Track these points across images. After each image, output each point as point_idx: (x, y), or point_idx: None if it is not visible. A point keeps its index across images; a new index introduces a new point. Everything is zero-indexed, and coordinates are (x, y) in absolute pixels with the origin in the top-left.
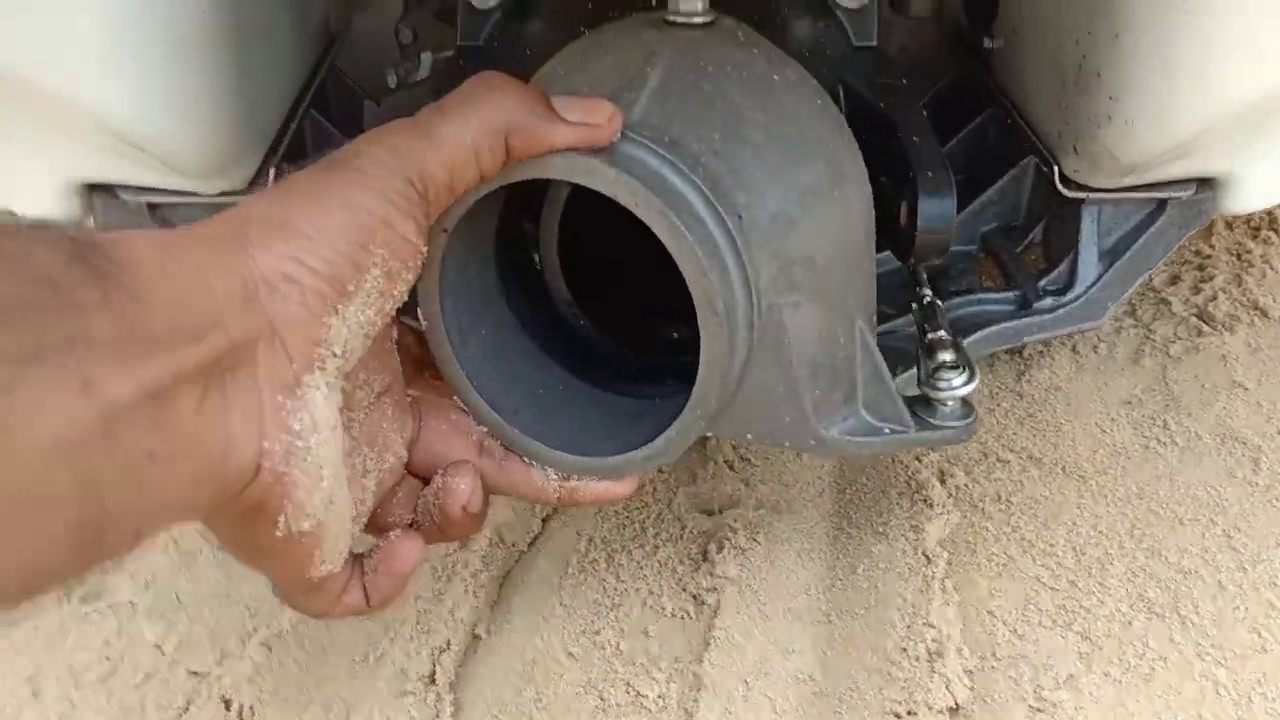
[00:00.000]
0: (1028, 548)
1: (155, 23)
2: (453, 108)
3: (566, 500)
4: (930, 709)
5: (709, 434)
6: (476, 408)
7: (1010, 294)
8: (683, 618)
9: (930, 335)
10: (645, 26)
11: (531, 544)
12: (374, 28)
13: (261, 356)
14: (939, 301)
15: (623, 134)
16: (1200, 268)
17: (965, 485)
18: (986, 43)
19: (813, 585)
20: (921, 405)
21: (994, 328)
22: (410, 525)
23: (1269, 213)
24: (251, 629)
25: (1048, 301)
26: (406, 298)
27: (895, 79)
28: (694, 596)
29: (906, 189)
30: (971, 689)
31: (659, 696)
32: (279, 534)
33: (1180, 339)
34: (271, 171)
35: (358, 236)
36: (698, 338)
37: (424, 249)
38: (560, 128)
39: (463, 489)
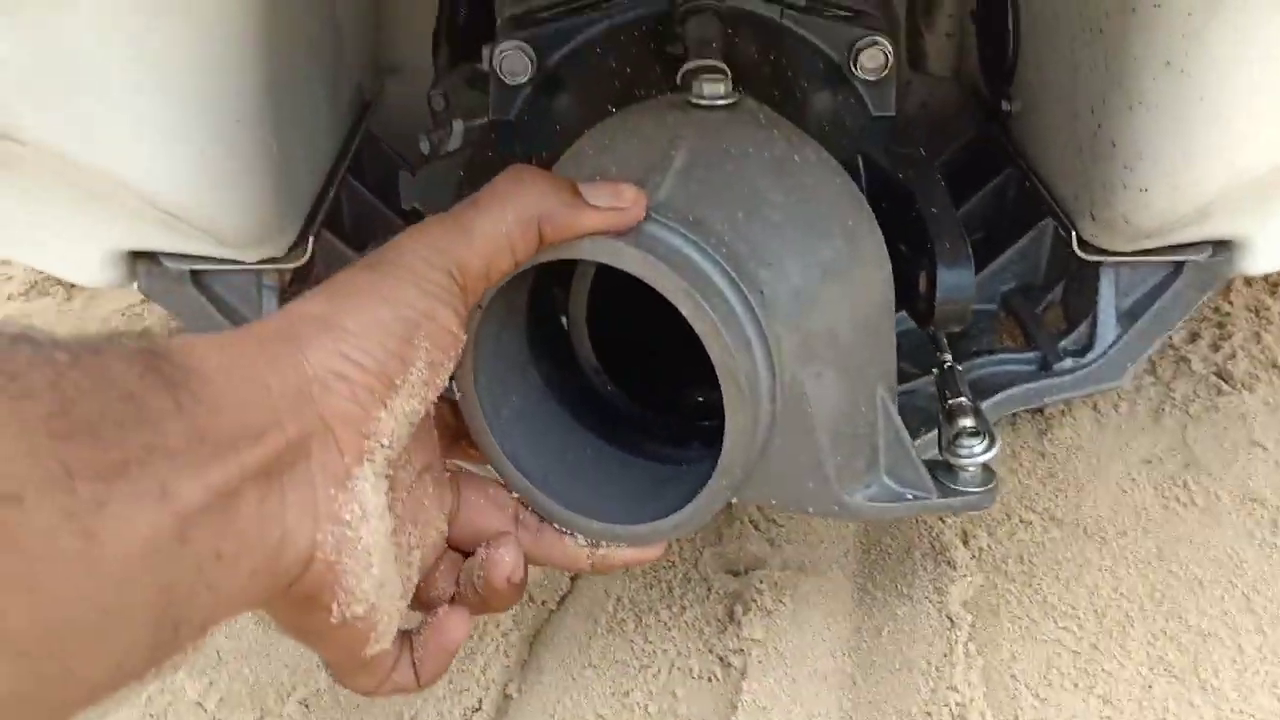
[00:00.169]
0: (1050, 610)
1: (197, 104)
2: (487, 203)
3: (599, 568)
4: None
5: (733, 499)
6: (509, 475)
7: (1031, 354)
8: (710, 680)
9: (951, 401)
10: (669, 109)
11: (561, 603)
12: (407, 91)
13: (315, 452)
14: (959, 366)
15: (649, 215)
16: (1219, 325)
17: (988, 546)
18: (1004, 105)
19: (838, 648)
20: (943, 470)
21: (1015, 389)
22: (453, 599)
23: None
24: (291, 687)
25: (1068, 362)
26: (447, 384)
27: (914, 148)
28: (720, 659)
29: (925, 259)
30: None
31: None
32: (334, 620)
33: (1200, 397)
34: (310, 240)
35: (403, 331)
36: (722, 402)
37: (463, 337)
38: (589, 213)
39: (507, 561)
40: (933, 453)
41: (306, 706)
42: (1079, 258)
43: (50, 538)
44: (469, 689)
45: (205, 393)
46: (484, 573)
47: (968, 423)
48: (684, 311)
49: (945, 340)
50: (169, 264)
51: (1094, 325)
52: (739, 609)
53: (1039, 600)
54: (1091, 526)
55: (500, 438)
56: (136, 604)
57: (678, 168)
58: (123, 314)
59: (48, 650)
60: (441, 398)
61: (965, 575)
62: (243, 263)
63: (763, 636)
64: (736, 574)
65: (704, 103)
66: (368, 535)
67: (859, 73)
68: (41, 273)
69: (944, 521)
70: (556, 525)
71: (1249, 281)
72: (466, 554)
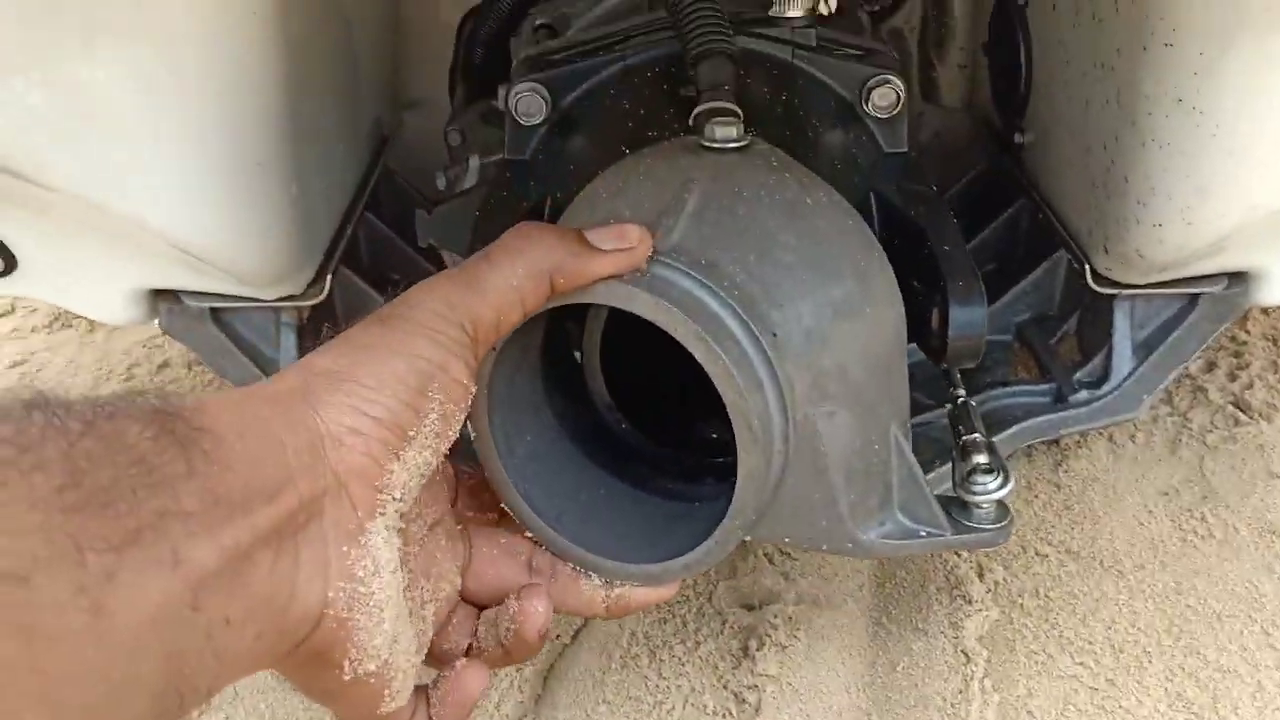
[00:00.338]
0: (1066, 645)
1: (220, 150)
2: (498, 259)
3: (614, 611)
4: None
5: (747, 537)
6: (523, 515)
7: (1046, 387)
8: (724, 716)
9: (965, 437)
10: (681, 152)
11: (575, 637)
12: (424, 125)
13: (328, 508)
14: (973, 401)
15: (662, 259)
16: (1236, 354)
17: (1004, 580)
18: (1017, 138)
19: (853, 684)
20: (957, 507)
21: (1030, 421)
22: (468, 651)
23: None
24: None
25: (1083, 395)
26: (457, 435)
27: (925, 185)
28: (735, 694)
29: (938, 295)
30: None
31: None
32: (346, 678)
33: (1217, 428)
34: (328, 278)
35: (417, 383)
36: (734, 437)
37: (473, 389)
38: (598, 259)
39: (540, 612)
40: (946, 486)
41: None
42: (1093, 290)
43: (59, 615)
44: None
45: (218, 452)
46: (516, 625)
47: (982, 459)
48: (696, 354)
49: (959, 375)
50: (190, 302)
51: (1109, 357)
52: (753, 644)
53: (1055, 635)
54: (1108, 560)
55: (515, 478)
56: (144, 674)
57: (690, 211)
58: (144, 345)
59: None
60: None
61: (981, 610)
62: (262, 300)
63: (777, 672)
64: (751, 608)
65: (716, 145)
66: (380, 590)
67: (871, 111)
68: None
69: (959, 555)
70: (571, 565)
71: (1266, 310)
72: (480, 606)
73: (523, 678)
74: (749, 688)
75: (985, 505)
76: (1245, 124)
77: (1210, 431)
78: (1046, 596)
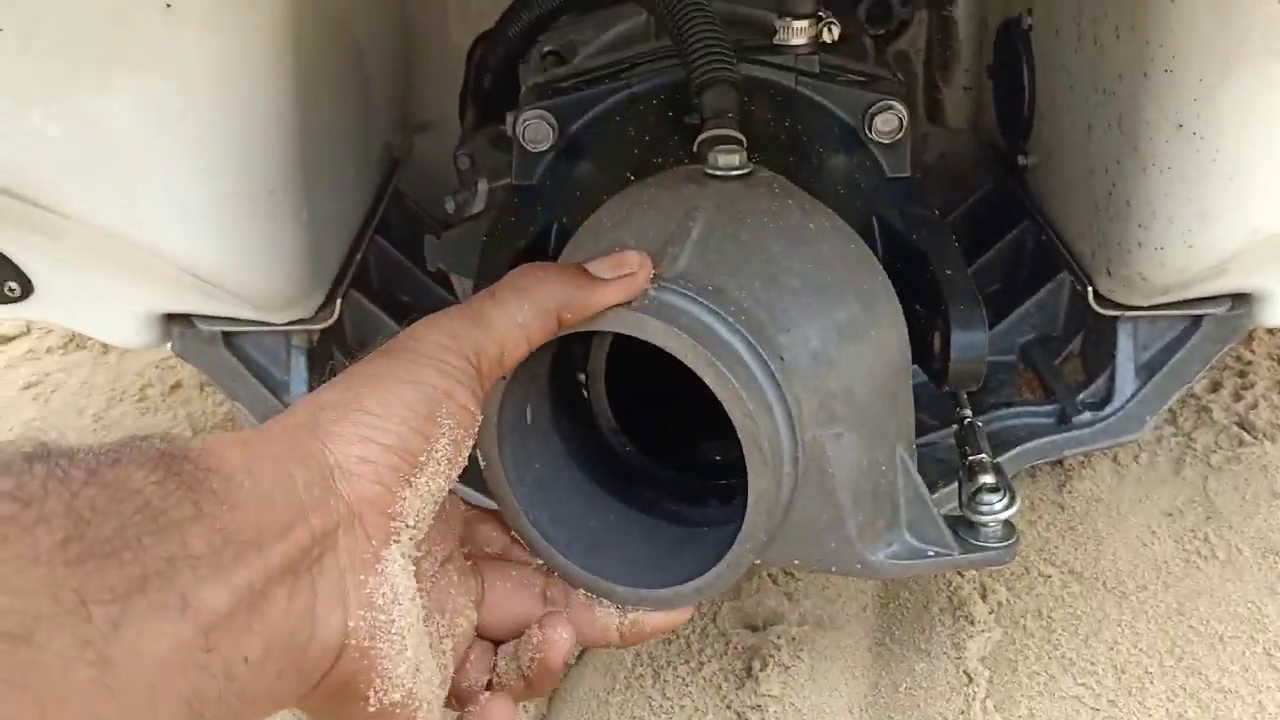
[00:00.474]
0: (1068, 666)
1: (232, 179)
2: (503, 297)
3: (628, 638)
4: None
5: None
6: (534, 543)
7: (1049, 408)
8: None
9: (971, 457)
10: (685, 181)
11: (580, 658)
12: (435, 148)
13: (342, 540)
14: (979, 422)
15: (669, 285)
16: (1241, 374)
17: (1007, 601)
18: (1021, 160)
19: (855, 704)
20: (964, 526)
21: (1034, 442)
22: (488, 687)
23: None
24: None
25: (1086, 416)
26: (466, 463)
27: (928, 209)
28: (738, 715)
29: (940, 319)
30: None
31: None
32: (371, 709)
33: (1221, 448)
34: (338, 301)
35: (425, 409)
36: (739, 459)
37: (480, 417)
38: (602, 290)
39: (565, 639)
40: (952, 506)
41: None
42: (1096, 311)
43: (65, 671)
44: None
45: (226, 492)
46: (540, 653)
47: (988, 479)
48: (706, 379)
49: (964, 395)
50: (202, 326)
51: (1112, 378)
52: (757, 664)
53: (1057, 656)
54: (1111, 580)
55: (525, 506)
56: None
57: (695, 238)
58: (156, 367)
59: None
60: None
61: (983, 630)
62: (272, 324)
63: (780, 692)
64: (755, 629)
65: (719, 173)
66: (400, 618)
67: (873, 136)
68: None
69: (962, 576)
70: (584, 593)
71: (1272, 331)
72: (495, 641)
73: None
74: (752, 708)
75: (992, 524)
76: (1245, 149)
77: (1214, 452)
78: (1049, 617)
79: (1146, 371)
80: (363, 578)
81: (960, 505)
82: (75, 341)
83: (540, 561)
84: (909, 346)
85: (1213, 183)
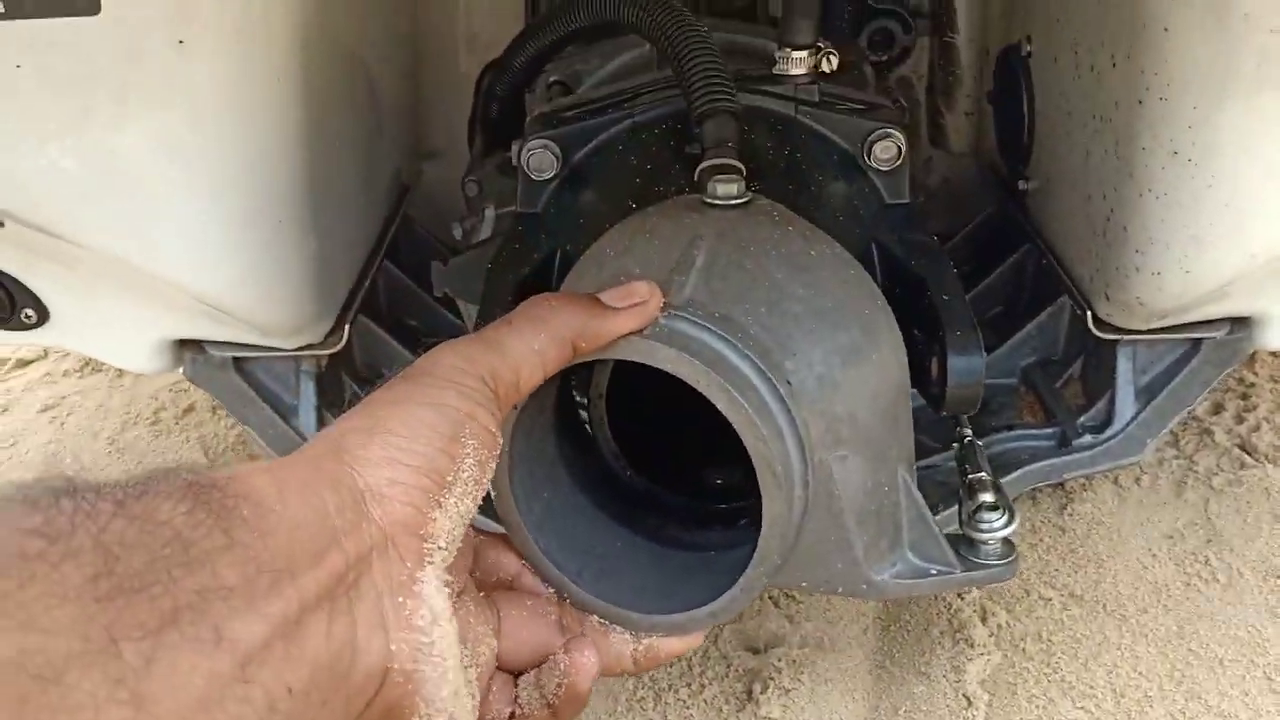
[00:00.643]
0: (1068, 689)
1: (243, 210)
2: (519, 325)
3: (642, 665)
4: None
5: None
6: (546, 572)
7: (1050, 430)
8: None
9: (971, 476)
10: (685, 210)
11: None
12: (444, 175)
13: (376, 564)
14: (979, 441)
15: (679, 314)
16: (1244, 396)
17: (1006, 624)
18: (1021, 185)
19: None
20: (964, 545)
21: (1034, 465)
22: (510, 718)
23: None
24: None
25: (1086, 439)
26: (489, 485)
27: (926, 235)
28: None
29: (937, 344)
30: None
31: None
32: None
33: (1223, 471)
34: (346, 327)
35: (450, 430)
36: (741, 483)
37: (500, 440)
38: (615, 318)
39: (592, 663)
40: (952, 527)
41: None
42: (1096, 335)
43: (96, 712)
44: None
45: (257, 519)
46: (567, 680)
47: (988, 497)
48: (718, 405)
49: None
50: (213, 352)
51: (1112, 402)
52: (757, 687)
53: (1056, 679)
54: (1111, 603)
55: (535, 534)
56: None
57: (700, 266)
58: (170, 390)
59: None
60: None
61: (983, 653)
62: (282, 350)
63: (780, 715)
64: (756, 651)
65: (718, 202)
66: (440, 639)
67: (872, 163)
68: None
69: (962, 599)
70: (597, 620)
71: (1276, 353)
72: (514, 672)
73: None
74: None
75: (992, 542)
76: (1240, 175)
77: (1216, 474)
78: (1049, 640)
79: (1146, 394)
80: (401, 600)
81: (960, 524)
82: (91, 365)
83: (553, 590)
84: (908, 368)
85: (1208, 209)
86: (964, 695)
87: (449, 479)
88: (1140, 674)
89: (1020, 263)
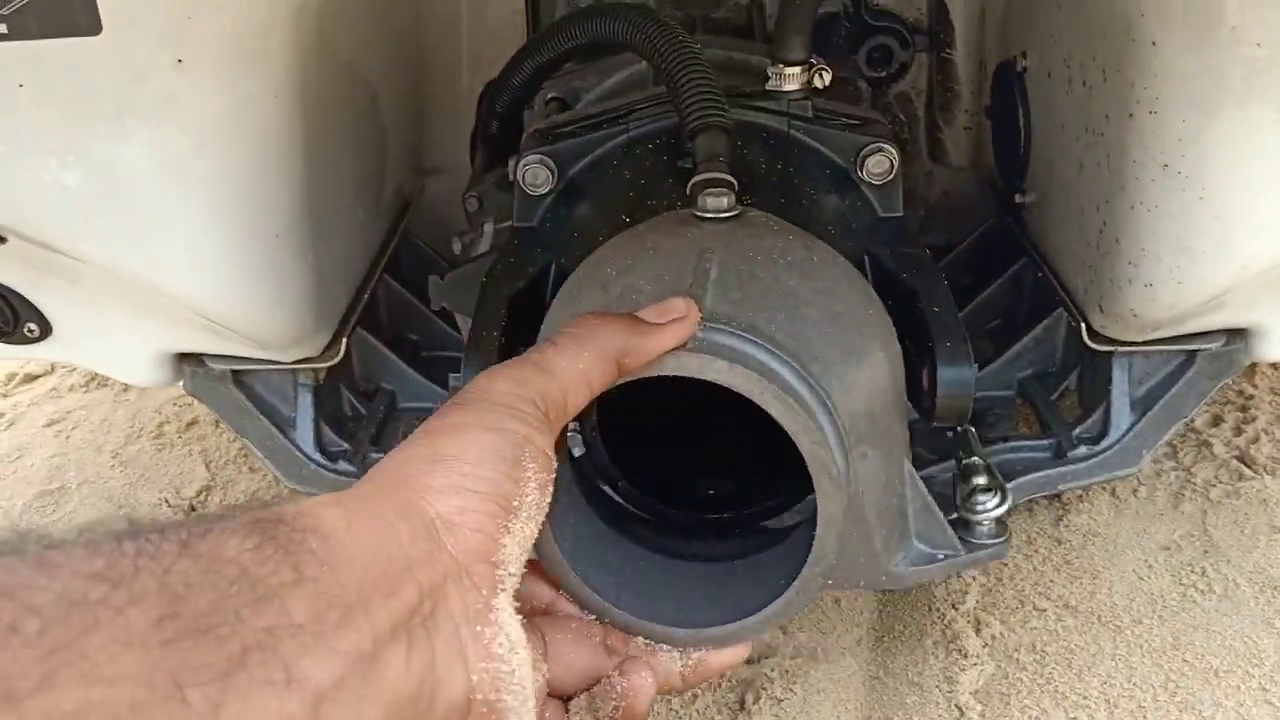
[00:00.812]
0: (1060, 700)
1: (238, 223)
2: (564, 345)
3: (692, 680)
4: None
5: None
6: (584, 597)
7: (1045, 442)
8: None
9: (965, 460)
10: (679, 224)
11: None
12: (447, 191)
13: (451, 593)
14: (973, 429)
15: (713, 326)
16: (1243, 408)
17: (1000, 634)
18: (1018, 198)
19: None
20: (960, 527)
21: (1030, 476)
22: None
23: None
24: None
25: (1082, 450)
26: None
27: (918, 248)
28: None
29: (928, 356)
30: None
31: None
32: None
33: (1221, 482)
34: (344, 341)
35: (512, 454)
36: (733, 494)
37: (556, 463)
38: (659, 334)
39: (650, 683)
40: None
41: None
42: (1091, 347)
43: None
44: None
45: (326, 551)
46: (625, 702)
47: (981, 480)
48: (772, 412)
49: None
50: (212, 365)
51: (1108, 413)
52: (750, 697)
53: (1050, 689)
54: (1106, 614)
55: (571, 561)
56: None
57: (715, 279)
58: (174, 404)
59: None
60: None
61: (976, 664)
62: (279, 363)
63: None
64: (749, 661)
65: (708, 215)
66: (519, 666)
67: (865, 177)
68: None
69: (956, 609)
70: (642, 640)
71: (1275, 364)
72: (562, 697)
73: None
74: None
75: (986, 523)
76: (1230, 187)
77: (1214, 486)
78: (1042, 651)
79: (1142, 406)
80: (479, 628)
81: (955, 507)
82: (97, 381)
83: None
84: (902, 362)
85: (1199, 221)
86: (956, 705)
87: (515, 504)
88: (1134, 685)
89: (1018, 276)
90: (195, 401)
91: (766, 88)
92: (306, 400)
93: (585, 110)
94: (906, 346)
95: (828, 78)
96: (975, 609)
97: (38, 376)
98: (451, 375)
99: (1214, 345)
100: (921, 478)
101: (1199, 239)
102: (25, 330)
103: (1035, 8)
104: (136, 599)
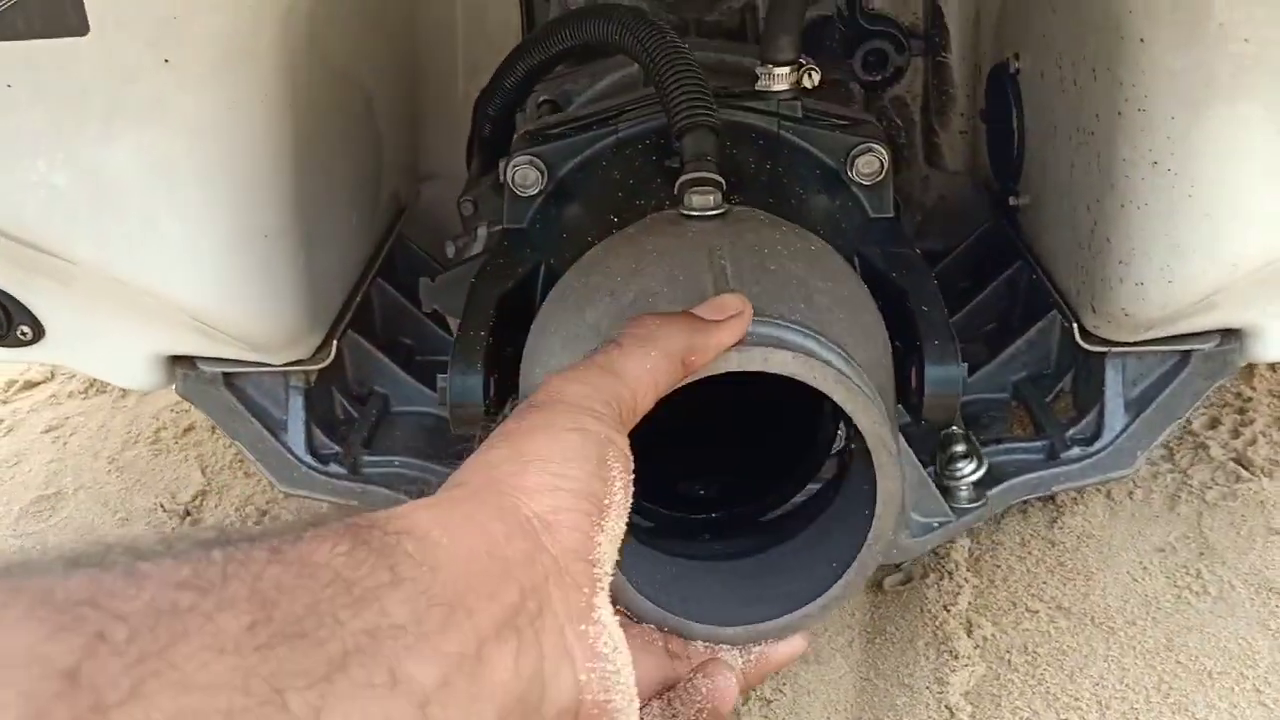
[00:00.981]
0: (1052, 701)
1: (229, 226)
2: (629, 347)
3: (754, 677)
4: None
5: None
6: (640, 607)
7: (1039, 443)
8: None
9: (944, 430)
10: (669, 224)
11: None
12: (443, 195)
13: (554, 592)
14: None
15: (762, 320)
16: (1241, 410)
17: (992, 636)
18: (1012, 200)
19: None
20: (942, 494)
21: (1023, 477)
22: None
23: None
24: None
25: (1075, 451)
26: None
27: (908, 248)
28: None
29: (916, 355)
30: None
31: None
32: None
33: (1217, 484)
34: (334, 343)
35: (597, 452)
36: (725, 495)
37: (633, 463)
38: (720, 331)
39: (733, 686)
40: None
41: None
42: (1084, 348)
43: None
44: None
45: (423, 553)
46: (710, 704)
47: (959, 447)
48: (836, 397)
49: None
50: (204, 367)
51: (1101, 414)
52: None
53: (1042, 691)
54: (1099, 616)
55: (625, 572)
56: None
57: (732, 274)
58: (171, 410)
59: None
60: None
61: (967, 665)
62: (271, 365)
63: None
64: None
65: (695, 214)
66: (624, 666)
67: (855, 177)
68: None
69: (948, 610)
70: (702, 644)
71: (1274, 366)
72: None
73: None
74: None
75: (965, 487)
76: (1220, 185)
77: (1210, 488)
78: (1034, 653)
79: (1136, 407)
80: (583, 627)
81: (935, 475)
82: (95, 387)
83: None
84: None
85: (1189, 218)
86: (947, 707)
87: (605, 502)
88: (1127, 686)
89: (1013, 279)
90: (192, 408)
91: (756, 88)
92: (298, 403)
93: (576, 112)
94: (895, 346)
95: (816, 78)
96: (967, 610)
97: (38, 383)
98: (439, 376)
99: (1208, 346)
100: None
101: (1188, 236)
102: (19, 333)
103: (1029, 9)
104: (226, 605)
